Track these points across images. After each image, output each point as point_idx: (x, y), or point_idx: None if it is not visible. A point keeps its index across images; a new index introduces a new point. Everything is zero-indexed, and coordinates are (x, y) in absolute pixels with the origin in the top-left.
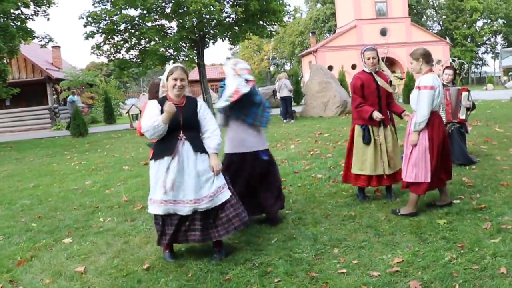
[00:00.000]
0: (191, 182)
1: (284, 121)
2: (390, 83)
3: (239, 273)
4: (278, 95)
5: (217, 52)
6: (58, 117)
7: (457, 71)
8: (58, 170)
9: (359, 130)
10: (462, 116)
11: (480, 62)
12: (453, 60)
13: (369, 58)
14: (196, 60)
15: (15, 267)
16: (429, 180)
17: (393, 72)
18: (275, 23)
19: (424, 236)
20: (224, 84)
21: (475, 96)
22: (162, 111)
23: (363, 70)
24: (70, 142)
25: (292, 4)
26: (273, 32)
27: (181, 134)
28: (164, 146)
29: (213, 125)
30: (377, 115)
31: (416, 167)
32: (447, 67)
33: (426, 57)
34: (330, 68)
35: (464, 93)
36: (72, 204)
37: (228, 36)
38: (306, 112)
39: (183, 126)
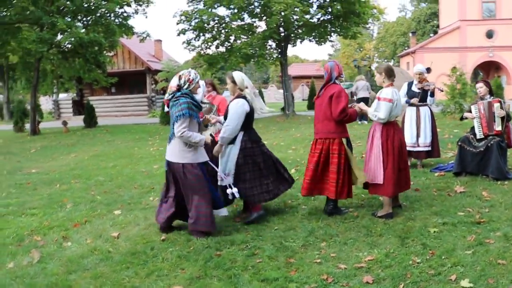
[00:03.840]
0: None
1: (359, 122)
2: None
3: (231, 251)
4: (356, 96)
5: (306, 49)
6: (155, 105)
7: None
8: (137, 154)
9: (346, 143)
10: (498, 127)
11: None
12: None
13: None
14: (279, 58)
15: (71, 227)
16: (381, 182)
17: (499, 76)
18: (359, 25)
19: (407, 240)
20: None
21: None
22: None
23: (335, 83)
24: (157, 129)
25: (384, 4)
26: (357, 34)
27: None
28: None
29: None
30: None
31: (372, 169)
32: (477, 82)
33: (389, 72)
34: (429, 70)
35: (496, 104)
36: (134, 184)
37: (314, 36)
38: None
39: None
